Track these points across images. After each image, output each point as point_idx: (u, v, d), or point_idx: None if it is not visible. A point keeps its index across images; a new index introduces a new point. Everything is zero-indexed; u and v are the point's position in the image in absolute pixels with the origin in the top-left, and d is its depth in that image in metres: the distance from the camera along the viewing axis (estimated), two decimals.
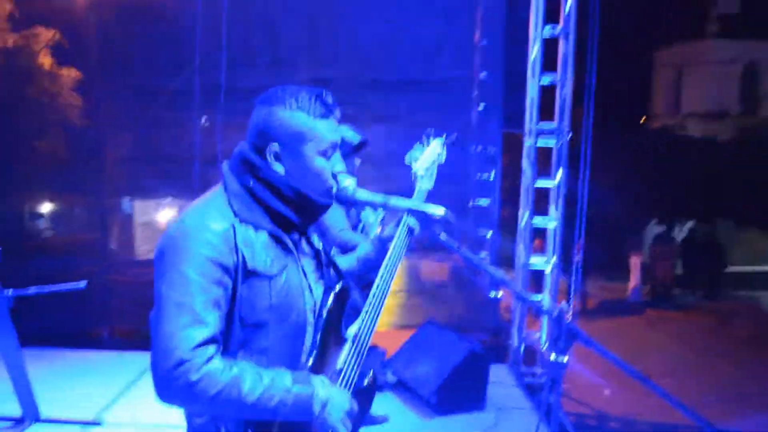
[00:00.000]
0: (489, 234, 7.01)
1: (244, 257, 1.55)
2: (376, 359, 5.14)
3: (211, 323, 1.48)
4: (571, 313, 5.98)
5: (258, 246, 1.59)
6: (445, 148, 2.22)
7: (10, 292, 3.62)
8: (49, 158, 7.23)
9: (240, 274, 1.54)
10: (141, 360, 5.36)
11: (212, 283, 1.50)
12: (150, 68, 6.07)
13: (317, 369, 1.64)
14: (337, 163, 1.70)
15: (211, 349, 1.47)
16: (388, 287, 1.81)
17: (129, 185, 6.76)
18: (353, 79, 5.81)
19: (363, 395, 1.78)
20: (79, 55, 7.05)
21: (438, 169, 2.05)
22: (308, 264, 1.74)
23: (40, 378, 4.15)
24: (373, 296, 1.77)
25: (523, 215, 5.61)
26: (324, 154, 1.64)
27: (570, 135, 5.27)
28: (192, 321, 1.46)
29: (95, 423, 4.13)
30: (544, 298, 5.49)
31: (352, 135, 3.67)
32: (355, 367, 1.70)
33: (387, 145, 5.91)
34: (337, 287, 1.74)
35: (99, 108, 6.94)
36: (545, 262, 5.50)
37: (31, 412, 3.89)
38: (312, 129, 1.61)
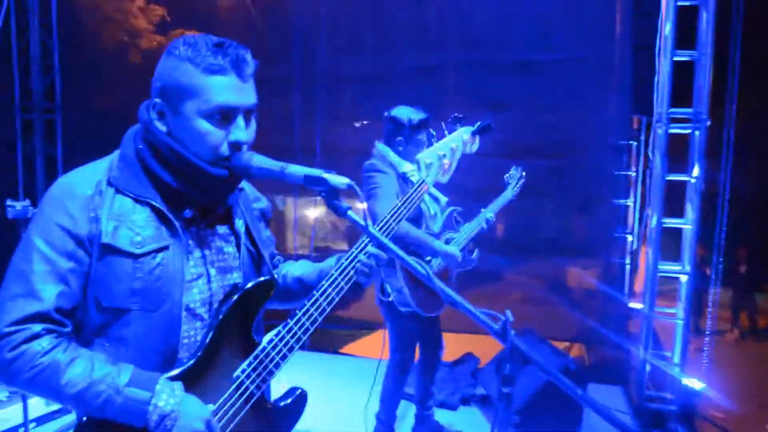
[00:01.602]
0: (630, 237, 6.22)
1: (100, 230, 1.32)
2: (469, 369, 4.70)
3: (47, 298, 1.29)
4: (708, 331, 5.08)
5: (132, 220, 1.36)
6: (477, 138, 1.97)
7: None
8: None
9: (95, 249, 1.32)
10: None
11: (60, 255, 1.31)
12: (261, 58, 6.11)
13: (200, 372, 1.38)
14: (240, 132, 1.39)
15: (38, 327, 1.28)
16: (322, 311, 1.52)
17: None
18: (464, 63, 5.38)
19: (272, 413, 1.51)
20: None
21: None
22: (215, 250, 1.48)
23: None
24: (305, 311, 1.49)
25: (652, 215, 4.84)
26: (209, 116, 1.35)
27: (709, 122, 4.42)
28: (24, 292, 1.28)
29: None
30: (678, 312, 4.73)
31: (408, 112, 3.30)
32: (260, 379, 1.44)
33: (499, 135, 5.43)
34: (250, 284, 1.47)
35: None
36: (680, 270, 4.72)
37: None
38: (195, 85, 1.34)
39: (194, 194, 1.41)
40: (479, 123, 2.03)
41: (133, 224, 1.36)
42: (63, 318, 1.33)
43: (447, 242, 3.40)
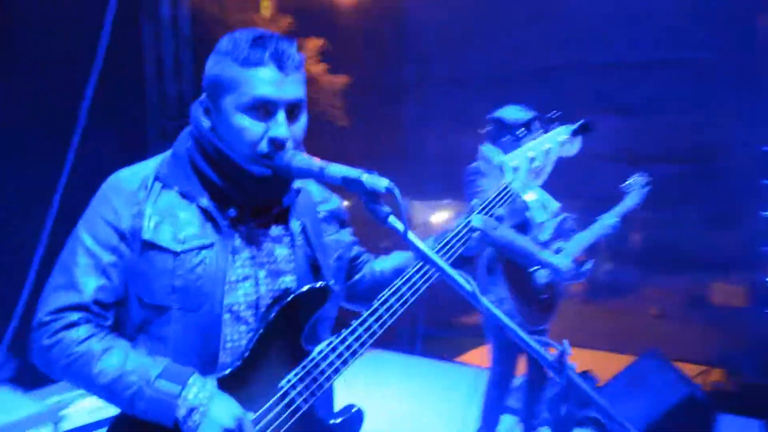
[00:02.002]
0: None
1: (141, 225, 1.30)
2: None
3: (87, 291, 1.29)
4: None
5: (177, 216, 1.33)
6: (578, 139, 1.76)
7: None
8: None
9: (137, 244, 1.30)
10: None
11: (103, 249, 1.31)
12: (377, 64, 6.16)
13: (242, 378, 1.32)
14: (280, 128, 1.31)
15: (75, 315, 1.28)
16: (392, 315, 1.41)
17: None
18: (584, 64, 5.07)
19: (321, 431, 1.41)
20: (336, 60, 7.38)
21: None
22: (265, 251, 1.41)
23: None
24: (370, 316, 1.38)
25: None
26: (246, 110, 1.29)
27: None
28: (65, 284, 1.30)
29: None
30: None
31: (514, 111, 3.11)
32: (308, 392, 1.35)
33: (622, 140, 5.06)
34: (302, 290, 1.38)
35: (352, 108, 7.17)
36: None
37: None
38: (233, 78, 1.29)
39: (237, 193, 1.36)
40: (579, 122, 1.83)
41: (177, 221, 1.33)
42: (102, 311, 1.32)
43: (556, 252, 3.17)
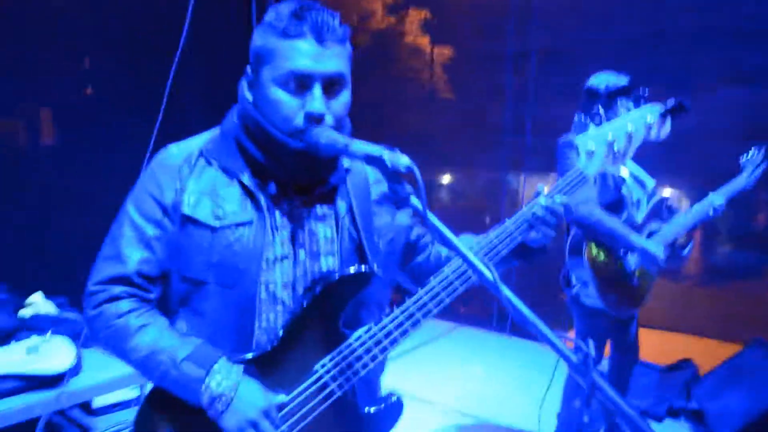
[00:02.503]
0: None
1: (182, 200, 1.32)
2: (683, 378, 4.12)
3: (130, 262, 1.33)
4: None
5: (218, 192, 1.33)
6: (667, 119, 1.59)
7: None
8: (417, 131, 7.67)
9: (177, 218, 1.32)
10: (439, 328, 5.52)
11: (147, 222, 1.34)
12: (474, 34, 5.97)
13: (277, 359, 1.31)
14: (316, 102, 1.26)
15: (118, 289, 1.33)
16: (438, 304, 1.35)
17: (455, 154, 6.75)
18: (699, 29, 4.62)
19: (356, 418, 1.37)
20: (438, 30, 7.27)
21: None
22: (308, 231, 1.38)
23: None
24: (413, 303, 1.34)
25: None
26: (282, 83, 1.26)
27: None
28: (112, 255, 1.35)
29: None
30: None
31: (605, 78, 2.89)
32: (343, 377, 1.32)
33: (740, 112, 4.59)
34: (344, 272, 1.35)
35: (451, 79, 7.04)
36: None
37: None
38: (271, 50, 1.26)
39: (277, 168, 1.34)
40: (672, 101, 1.64)
41: (217, 197, 1.33)
42: (145, 283, 1.35)
43: (650, 235, 2.96)
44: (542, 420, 2.88)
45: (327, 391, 1.32)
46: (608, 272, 2.88)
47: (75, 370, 2.62)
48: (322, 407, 1.33)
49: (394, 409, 1.42)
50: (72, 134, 5.58)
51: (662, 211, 3.01)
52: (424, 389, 4.29)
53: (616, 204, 2.94)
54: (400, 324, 1.33)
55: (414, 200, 1.13)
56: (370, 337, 1.33)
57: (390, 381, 4.54)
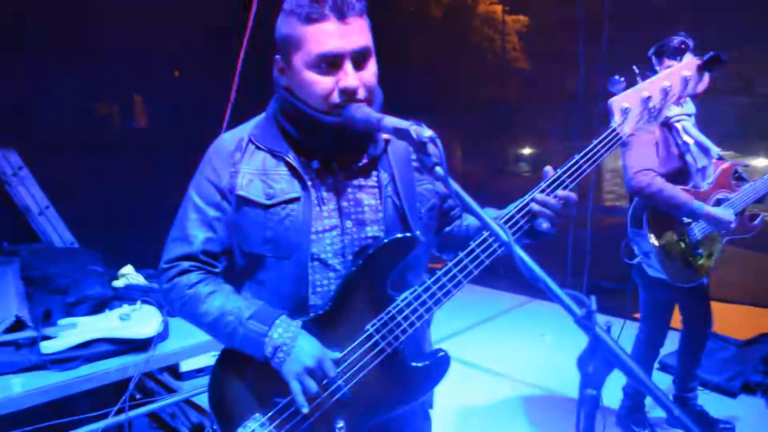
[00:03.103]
0: None
1: (236, 182, 1.46)
2: (761, 352, 3.99)
3: (196, 242, 1.49)
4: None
5: (267, 173, 1.47)
6: (705, 75, 1.59)
7: None
8: (490, 99, 7.59)
9: (233, 199, 1.47)
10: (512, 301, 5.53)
11: (208, 205, 1.50)
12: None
13: (331, 321, 1.45)
14: (349, 78, 1.35)
15: (187, 263, 1.50)
16: (478, 266, 1.41)
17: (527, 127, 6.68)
18: None
19: (405, 373, 1.48)
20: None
21: None
22: (353, 202, 1.49)
23: None
24: (455, 266, 1.41)
25: None
26: (314, 66, 1.36)
27: None
28: (180, 236, 1.51)
29: None
30: None
31: (666, 42, 2.82)
32: (392, 336, 1.43)
33: None
34: (387, 239, 1.44)
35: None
36: None
37: None
38: (298, 36, 1.36)
39: (318, 145, 1.44)
40: (708, 55, 1.62)
41: (267, 177, 1.45)
42: (210, 259, 1.51)
43: (718, 204, 2.89)
44: (607, 394, 2.91)
45: (378, 348, 1.43)
46: (670, 243, 2.84)
47: (162, 335, 2.87)
48: (374, 363, 1.44)
49: (440, 363, 1.50)
50: (159, 120, 5.94)
51: (730, 179, 2.93)
52: (493, 361, 4.37)
53: (680, 172, 2.89)
54: (443, 285, 1.41)
55: (438, 169, 1.21)
56: (416, 298, 1.42)
57: (458, 351, 4.65)
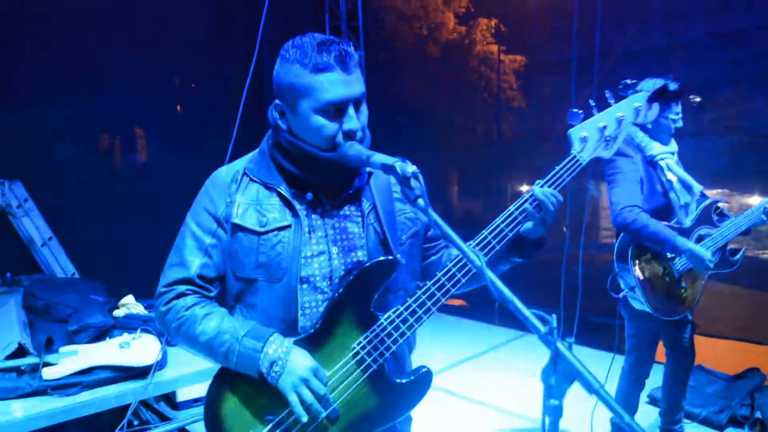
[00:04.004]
0: None
1: (232, 212, 1.58)
2: (748, 386, 4.05)
3: (192, 267, 1.59)
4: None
5: (261, 203, 1.59)
6: (654, 105, 1.73)
7: None
8: (486, 137, 7.76)
9: (229, 227, 1.58)
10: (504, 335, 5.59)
11: (205, 233, 1.60)
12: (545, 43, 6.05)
13: (319, 340, 1.55)
14: (352, 121, 1.49)
15: (183, 287, 1.59)
16: (455, 285, 1.53)
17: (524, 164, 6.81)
18: (766, 25, 4.52)
19: (390, 389, 1.58)
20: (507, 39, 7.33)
21: None
22: (339, 229, 1.62)
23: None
24: (433, 285, 1.53)
25: None
26: (322, 112, 1.50)
27: None
28: (177, 262, 1.61)
29: None
30: None
31: (653, 85, 2.94)
32: (377, 353, 1.54)
33: None
34: (369, 263, 1.56)
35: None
36: None
37: None
38: (306, 85, 1.50)
39: (314, 179, 1.57)
40: (659, 86, 1.75)
41: (261, 207, 1.57)
42: (205, 284, 1.61)
43: (699, 240, 2.99)
44: (594, 425, 2.97)
45: (364, 365, 1.53)
46: (655, 277, 2.94)
47: (161, 364, 2.93)
48: (361, 379, 1.54)
49: (423, 379, 1.60)
50: (155, 154, 6.08)
51: (710, 215, 3.04)
52: (481, 391, 4.43)
53: (664, 208, 3.00)
54: (423, 303, 1.52)
55: (420, 201, 1.34)
56: (398, 316, 1.53)
57: (447, 383, 4.72)
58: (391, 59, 7.65)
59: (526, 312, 1.10)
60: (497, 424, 3.94)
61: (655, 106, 1.72)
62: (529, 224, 1.58)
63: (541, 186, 1.59)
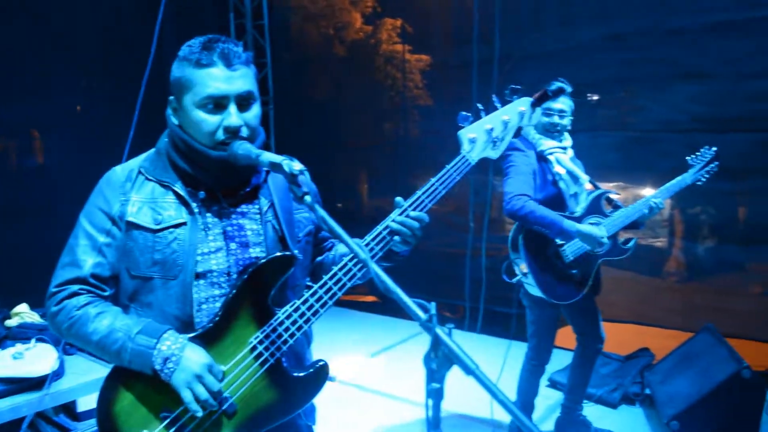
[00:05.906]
0: None
1: (127, 210, 1.57)
2: (638, 365, 4.33)
3: (85, 266, 1.56)
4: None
5: (156, 201, 1.58)
6: (538, 109, 1.84)
7: None
8: (392, 136, 7.85)
9: (124, 225, 1.57)
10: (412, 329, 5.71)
11: (99, 232, 1.58)
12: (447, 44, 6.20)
13: (216, 335, 1.55)
14: (232, 117, 1.51)
15: (76, 287, 1.56)
16: (350, 279, 1.59)
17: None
18: (654, 30, 4.84)
19: (288, 382, 1.60)
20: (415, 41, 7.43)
21: None
22: (236, 226, 1.63)
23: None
24: (330, 279, 1.57)
25: None
26: (202, 106, 1.52)
27: None
28: (70, 262, 1.58)
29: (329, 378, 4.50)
30: None
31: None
32: (275, 347, 1.56)
33: (693, 108, 4.82)
34: (266, 258, 1.59)
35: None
36: None
37: None
38: (189, 79, 1.53)
39: (205, 177, 1.58)
40: (540, 92, 1.84)
41: (156, 204, 1.57)
42: (99, 283, 1.58)
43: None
44: (494, 409, 3.09)
45: (261, 359, 1.55)
46: (546, 263, 3.10)
47: (58, 373, 2.83)
48: (258, 374, 1.55)
49: (320, 373, 1.64)
50: (54, 156, 5.80)
51: (600, 205, 3.23)
52: (391, 384, 4.51)
53: (555, 197, 3.17)
54: (320, 297, 1.56)
55: (307, 197, 1.36)
56: (295, 311, 1.56)
57: (356, 376, 4.76)
58: (297, 58, 7.63)
59: (408, 301, 1.16)
60: (403, 415, 4.01)
61: (538, 110, 1.84)
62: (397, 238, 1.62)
63: (403, 210, 1.62)
